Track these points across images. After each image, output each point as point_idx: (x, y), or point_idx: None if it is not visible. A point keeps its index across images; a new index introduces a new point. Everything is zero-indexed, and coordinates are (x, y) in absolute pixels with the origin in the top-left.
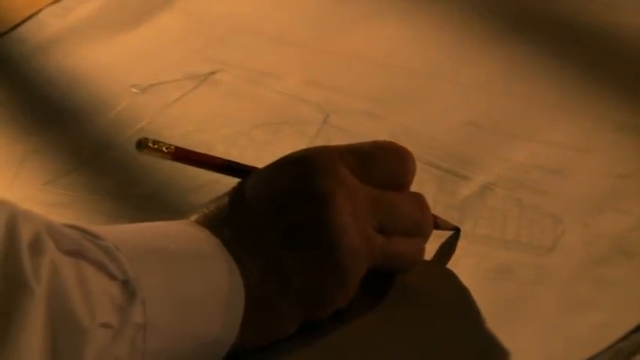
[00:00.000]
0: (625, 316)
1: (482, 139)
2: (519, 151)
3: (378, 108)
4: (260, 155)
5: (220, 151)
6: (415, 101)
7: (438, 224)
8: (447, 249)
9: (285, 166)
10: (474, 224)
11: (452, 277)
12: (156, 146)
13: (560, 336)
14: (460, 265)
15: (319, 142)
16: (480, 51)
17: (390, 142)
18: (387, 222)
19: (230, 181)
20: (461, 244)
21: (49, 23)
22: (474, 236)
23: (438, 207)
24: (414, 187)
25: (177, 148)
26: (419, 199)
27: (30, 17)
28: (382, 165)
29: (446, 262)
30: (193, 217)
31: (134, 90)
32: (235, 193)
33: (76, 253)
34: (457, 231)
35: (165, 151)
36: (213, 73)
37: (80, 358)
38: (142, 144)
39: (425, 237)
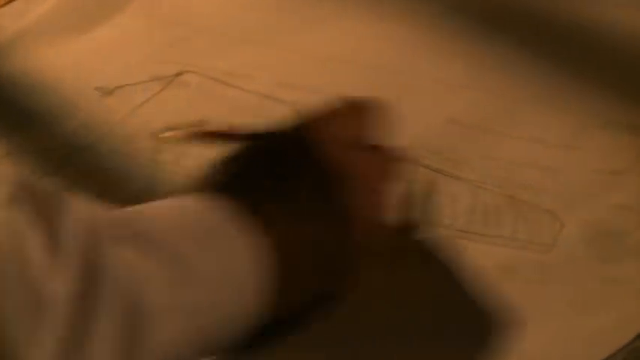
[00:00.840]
0: (638, 315)
1: (466, 137)
2: (506, 148)
3: None
4: None
5: (196, 152)
6: (392, 99)
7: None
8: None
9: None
10: (468, 223)
11: (455, 278)
12: (172, 134)
13: (572, 336)
14: (462, 263)
15: None
16: (454, 47)
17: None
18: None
19: None
20: (460, 242)
21: (3, 25)
22: (471, 235)
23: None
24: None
25: (195, 132)
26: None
27: None
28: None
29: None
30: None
31: (98, 92)
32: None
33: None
34: None
35: (182, 136)
36: (179, 74)
37: (148, 340)
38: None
39: None
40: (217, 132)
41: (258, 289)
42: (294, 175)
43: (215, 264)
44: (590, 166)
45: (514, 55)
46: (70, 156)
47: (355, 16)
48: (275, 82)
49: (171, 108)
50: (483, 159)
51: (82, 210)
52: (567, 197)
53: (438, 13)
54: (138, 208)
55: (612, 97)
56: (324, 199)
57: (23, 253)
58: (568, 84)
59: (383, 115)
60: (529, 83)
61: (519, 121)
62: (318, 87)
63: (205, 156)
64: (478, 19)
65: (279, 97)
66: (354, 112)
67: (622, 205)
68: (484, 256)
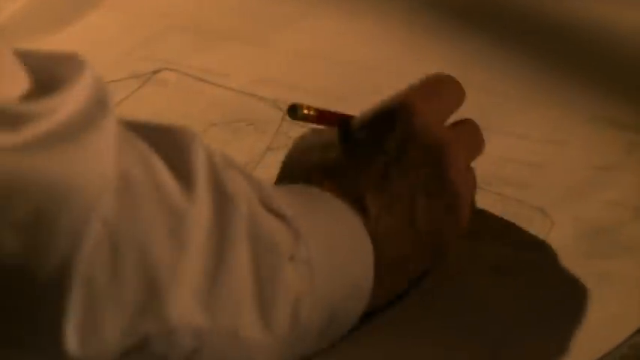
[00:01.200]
0: (636, 310)
1: None
2: (491, 145)
3: (335, 103)
4: None
5: None
6: (371, 95)
7: None
8: None
9: (386, 119)
10: None
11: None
12: (306, 112)
13: (581, 333)
14: (454, 263)
15: (281, 140)
16: (433, 42)
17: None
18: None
19: None
20: None
21: None
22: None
23: None
24: None
25: (319, 111)
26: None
27: None
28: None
29: None
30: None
31: None
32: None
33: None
34: None
35: (313, 114)
36: (156, 71)
37: (279, 283)
38: (296, 109)
39: None
40: (335, 114)
41: (371, 270)
42: (403, 152)
43: (331, 232)
44: (579, 162)
45: (495, 51)
46: None
47: (333, 12)
48: (254, 78)
49: (150, 105)
50: None
51: (202, 145)
52: (557, 193)
53: (417, 8)
54: None
55: (596, 92)
56: (436, 176)
57: (155, 177)
58: (551, 79)
59: (460, 89)
60: (510, 79)
61: (503, 117)
62: (297, 83)
63: None
64: (458, 14)
65: (259, 94)
66: (441, 87)
67: (613, 201)
68: (478, 255)
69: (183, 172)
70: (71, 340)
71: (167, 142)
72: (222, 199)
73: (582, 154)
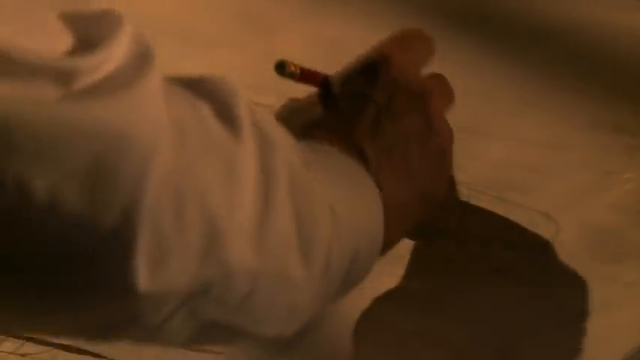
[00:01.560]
0: None
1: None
2: (492, 150)
3: None
4: None
5: None
6: None
7: None
8: None
9: (370, 68)
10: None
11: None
12: (293, 69)
13: (586, 338)
14: (457, 268)
15: None
16: None
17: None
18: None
19: None
20: (451, 245)
21: None
22: (463, 237)
23: None
24: None
25: (302, 69)
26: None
27: None
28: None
29: None
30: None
31: None
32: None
33: None
34: None
35: (298, 72)
36: None
37: (316, 227)
38: (284, 66)
39: None
40: (317, 73)
41: (381, 214)
42: (391, 101)
43: (340, 180)
44: (580, 167)
45: (495, 56)
46: None
47: (326, 16)
48: (248, 84)
49: None
50: (470, 160)
51: (242, 93)
52: (559, 198)
53: (415, 12)
54: None
55: (597, 96)
56: (423, 123)
57: (204, 124)
58: (551, 84)
59: (430, 42)
60: (510, 84)
61: (503, 122)
62: (292, 89)
63: None
64: (458, 18)
65: (253, 100)
66: (412, 40)
67: (616, 206)
68: (482, 260)
69: (228, 119)
70: (141, 274)
71: (210, 91)
72: (265, 144)
73: (583, 159)
